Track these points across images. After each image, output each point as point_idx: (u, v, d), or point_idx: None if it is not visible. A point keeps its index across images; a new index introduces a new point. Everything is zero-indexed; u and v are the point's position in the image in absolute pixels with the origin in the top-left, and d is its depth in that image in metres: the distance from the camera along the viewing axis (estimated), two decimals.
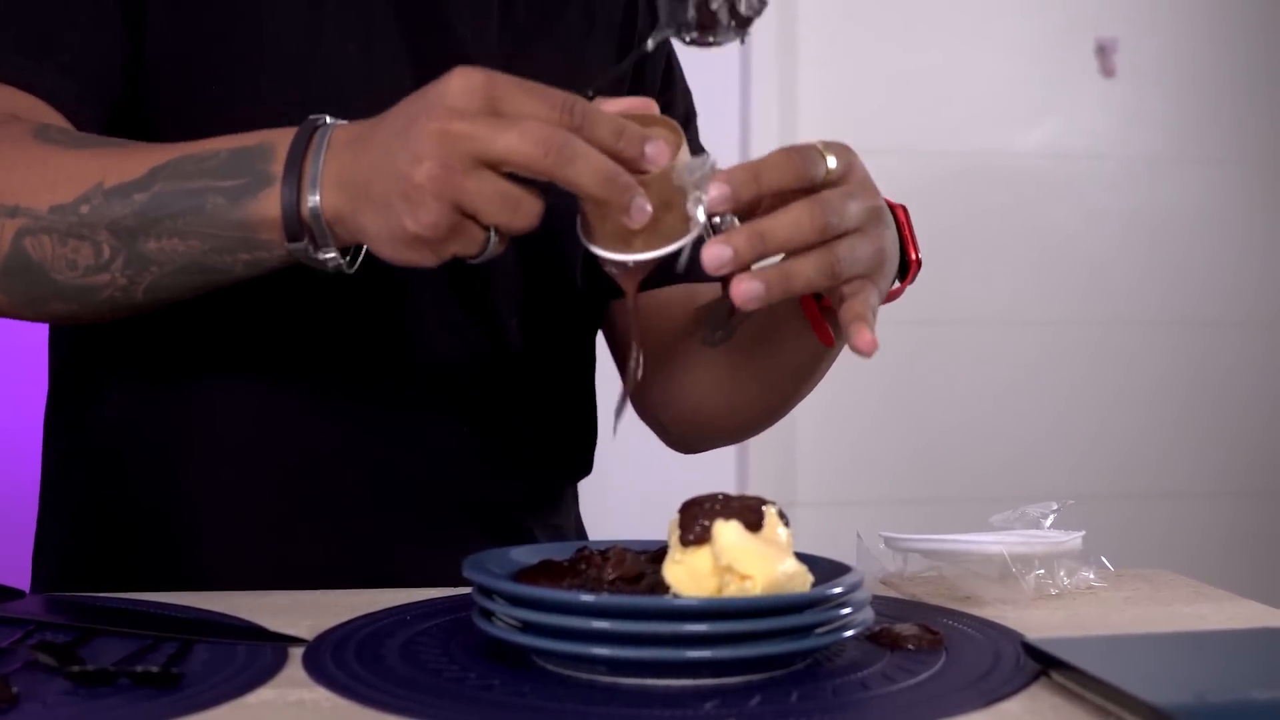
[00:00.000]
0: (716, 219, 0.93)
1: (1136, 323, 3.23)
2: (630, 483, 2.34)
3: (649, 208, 0.88)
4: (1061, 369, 3.20)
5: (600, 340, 1.41)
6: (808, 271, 0.93)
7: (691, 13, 0.99)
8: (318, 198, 0.91)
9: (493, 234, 0.89)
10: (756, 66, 2.96)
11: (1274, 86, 3.32)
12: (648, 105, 0.95)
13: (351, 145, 0.91)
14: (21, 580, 1.23)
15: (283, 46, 1.17)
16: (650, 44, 1.01)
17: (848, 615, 0.84)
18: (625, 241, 0.91)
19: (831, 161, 0.94)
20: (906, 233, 1.05)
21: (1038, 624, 0.97)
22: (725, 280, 0.94)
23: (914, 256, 1.06)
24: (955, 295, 3.11)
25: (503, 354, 1.26)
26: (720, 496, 0.83)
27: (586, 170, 0.85)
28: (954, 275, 3.09)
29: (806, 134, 2.98)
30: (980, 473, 3.12)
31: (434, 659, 0.85)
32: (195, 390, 1.20)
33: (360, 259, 0.97)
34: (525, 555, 0.92)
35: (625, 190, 0.87)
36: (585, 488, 1.45)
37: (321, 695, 0.78)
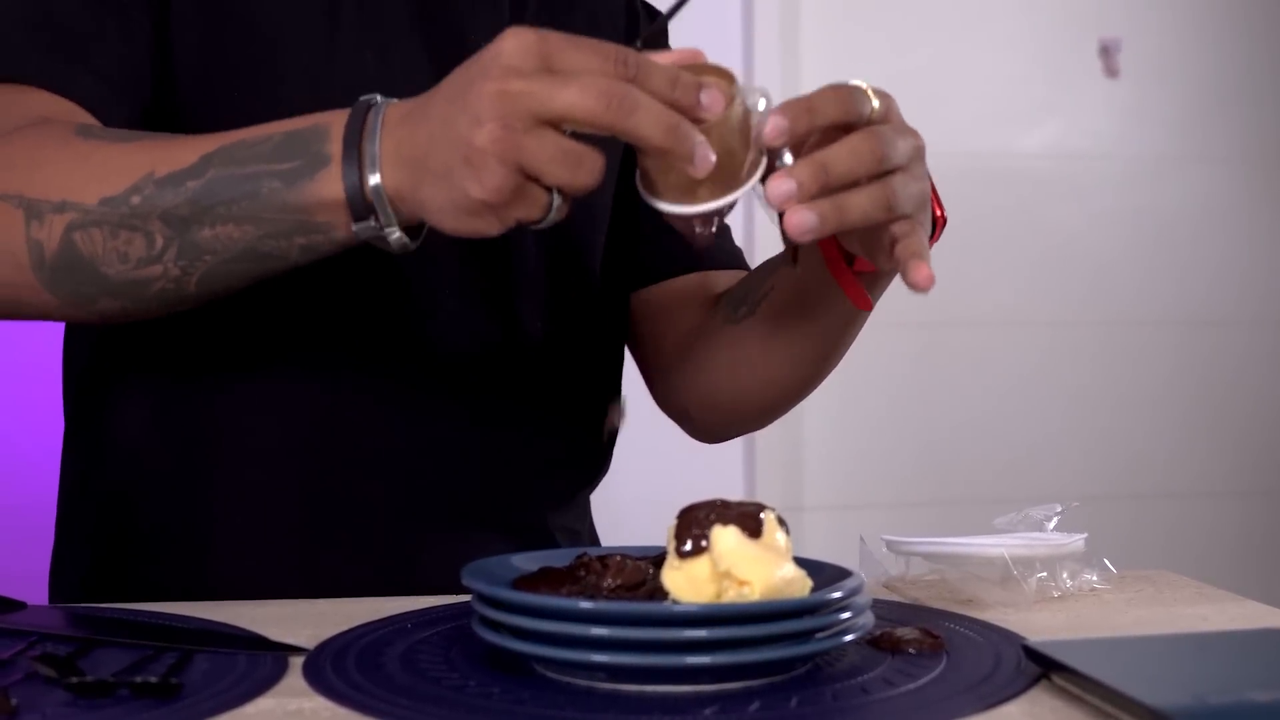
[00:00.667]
0: (776, 162, 0.92)
1: (1141, 323, 3.23)
2: (635, 486, 2.34)
3: (713, 156, 0.87)
4: (1066, 370, 3.20)
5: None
6: (863, 204, 0.92)
7: None
8: (378, 176, 0.90)
9: (555, 196, 0.88)
10: (760, 66, 2.96)
11: (1278, 85, 3.32)
12: (696, 55, 0.93)
13: (406, 120, 0.90)
14: (38, 591, 1.23)
15: (300, 57, 1.17)
16: None
17: (847, 620, 0.84)
18: (690, 192, 0.91)
19: (875, 102, 0.95)
20: (931, 190, 1.04)
21: (1040, 627, 0.96)
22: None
23: (939, 213, 1.05)
24: (959, 297, 3.11)
25: (527, 358, 1.26)
26: (718, 503, 0.83)
27: (648, 120, 0.85)
28: (958, 277, 3.09)
29: None
30: (986, 474, 3.12)
31: (434, 667, 0.85)
32: (215, 400, 1.20)
33: (422, 237, 0.95)
34: (525, 562, 0.92)
35: (688, 139, 0.86)
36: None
37: (321, 704, 0.78)
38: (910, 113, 0.99)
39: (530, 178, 0.86)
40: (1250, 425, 3.31)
